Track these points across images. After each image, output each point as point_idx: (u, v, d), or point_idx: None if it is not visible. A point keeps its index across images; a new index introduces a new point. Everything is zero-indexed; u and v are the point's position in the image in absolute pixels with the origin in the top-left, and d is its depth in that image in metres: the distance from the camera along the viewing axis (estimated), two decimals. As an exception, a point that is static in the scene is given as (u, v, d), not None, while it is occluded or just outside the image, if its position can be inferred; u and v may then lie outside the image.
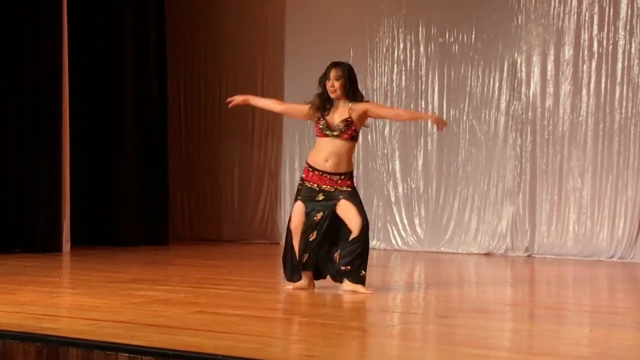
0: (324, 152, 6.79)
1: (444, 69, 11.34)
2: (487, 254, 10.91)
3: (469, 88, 11.18)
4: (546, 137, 10.77)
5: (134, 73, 11.64)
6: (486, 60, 11.10)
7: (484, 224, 11.05)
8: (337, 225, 6.84)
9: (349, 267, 6.80)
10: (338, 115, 6.80)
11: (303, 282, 6.93)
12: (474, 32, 11.16)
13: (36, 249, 10.36)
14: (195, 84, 13.06)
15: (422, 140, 11.45)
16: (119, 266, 9.15)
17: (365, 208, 11.47)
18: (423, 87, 11.45)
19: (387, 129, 11.63)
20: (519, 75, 10.92)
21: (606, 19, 10.44)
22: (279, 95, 12.35)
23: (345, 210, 6.80)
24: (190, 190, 13.08)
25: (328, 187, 6.79)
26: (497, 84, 11.04)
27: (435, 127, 7.28)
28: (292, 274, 6.99)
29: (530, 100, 10.86)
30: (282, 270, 7.13)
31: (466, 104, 11.20)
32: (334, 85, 6.78)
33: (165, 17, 12.11)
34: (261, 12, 12.58)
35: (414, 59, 11.51)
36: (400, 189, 11.56)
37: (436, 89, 11.37)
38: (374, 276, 9.11)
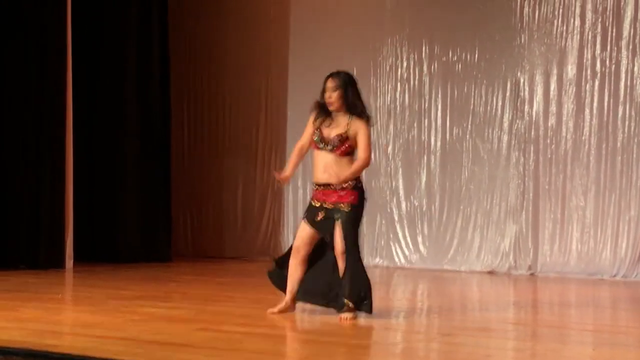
0: (321, 165, 6.51)
1: (447, 88, 11.37)
2: (490, 272, 10.90)
3: (472, 107, 11.21)
4: (549, 156, 10.78)
5: (137, 90, 11.67)
6: (489, 79, 11.12)
7: (487, 242, 11.05)
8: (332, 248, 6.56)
9: (350, 303, 6.46)
10: (335, 129, 6.49)
11: (286, 304, 6.65)
12: (477, 51, 11.19)
13: (39, 265, 10.35)
14: (199, 101, 13.09)
15: (425, 158, 11.47)
16: (122, 283, 9.15)
17: (369, 226, 11.71)
18: (426, 105, 11.48)
19: (390, 147, 11.64)
20: (522, 94, 10.94)
21: (609, 39, 10.47)
22: (281, 113, 12.42)
23: (336, 233, 6.47)
24: (193, 207, 13.09)
25: (329, 203, 6.47)
26: (500, 103, 11.06)
27: None
28: (281, 286, 6.75)
29: (533, 119, 10.88)
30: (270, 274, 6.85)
31: (469, 123, 11.21)
32: (331, 97, 6.48)
33: (168, 35, 12.16)
34: (265, 30, 12.62)
35: (417, 77, 11.54)
36: (403, 206, 11.57)
37: (439, 108, 11.40)
38: (376, 293, 9.11)
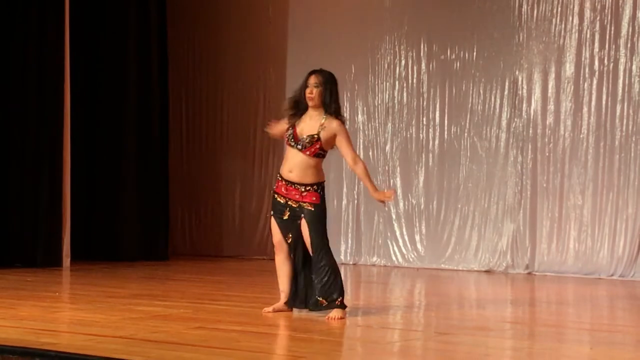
0: (289, 163, 6.52)
1: (445, 86, 11.36)
2: (487, 271, 10.90)
3: (470, 105, 11.20)
4: (547, 154, 10.77)
5: (135, 89, 11.67)
6: (487, 77, 11.12)
7: (484, 241, 11.04)
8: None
9: (325, 300, 6.48)
10: (308, 127, 6.48)
11: (281, 304, 6.68)
12: (475, 50, 11.18)
13: (36, 263, 10.36)
14: (197, 101, 13.08)
15: (423, 156, 11.46)
16: (119, 281, 9.15)
17: (366, 224, 11.72)
18: (424, 103, 11.47)
19: (388, 146, 11.64)
20: (520, 92, 10.94)
21: (607, 37, 10.46)
22: (279, 112, 12.38)
23: (304, 232, 6.50)
24: (191, 206, 13.08)
25: (293, 202, 6.50)
26: (498, 101, 11.06)
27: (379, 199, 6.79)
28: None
29: (531, 117, 10.87)
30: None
31: (467, 121, 11.21)
32: (312, 92, 6.47)
33: (167, 36, 12.16)
34: (264, 29, 12.61)
35: (415, 75, 11.53)
36: (401, 205, 11.56)
37: (437, 106, 11.39)
38: (374, 292, 9.13)
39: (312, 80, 6.54)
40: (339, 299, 6.46)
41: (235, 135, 12.77)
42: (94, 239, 11.62)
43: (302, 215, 6.48)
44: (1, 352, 4.89)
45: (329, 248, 6.56)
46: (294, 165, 6.51)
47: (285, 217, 6.56)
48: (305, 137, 6.47)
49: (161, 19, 12.06)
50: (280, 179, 6.61)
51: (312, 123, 6.50)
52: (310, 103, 6.52)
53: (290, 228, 6.55)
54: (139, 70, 11.72)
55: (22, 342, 5.11)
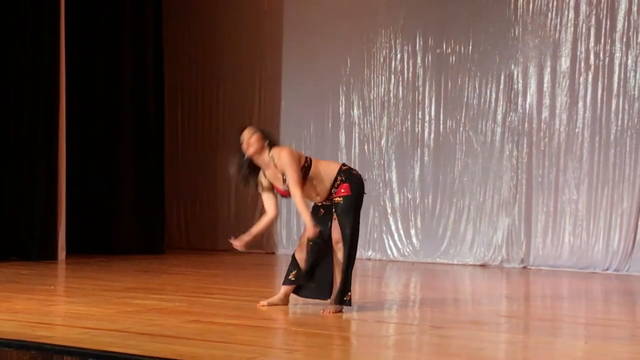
0: (307, 195, 6.52)
1: (441, 80, 11.36)
2: (482, 265, 10.91)
3: (465, 99, 11.20)
4: (542, 148, 10.78)
5: (131, 82, 11.67)
6: (483, 71, 11.12)
7: (479, 235, 11.05)
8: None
9: (348, 295, 6.52)
10: (271, 176, 6.49)
11: (277, 297, 6.71)
12: (471, 44, 11.18)
13: (32, 257, 10.36)
14: (193, 95, 13.07)
15: (418, 151, 11.47)
16: (114, 275, 9.14)
17: (361, 218, 11.60)
18: (420, 97, 11.47)
19: (383, 140, 11.64)
20: (516, 86, 10.94)
21: (603, 32, 10.47)
22: (275, 106, 12.41)
23: (334, 227, 6.54)
24: (186, 199, 13.07)
25: (328, 201, 6.58)
26: (493, 95, 11.06)
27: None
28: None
29: (527, 111, 10.88)
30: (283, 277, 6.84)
31: (463, 115, 11.21)
32: (249, 142, 6.48)
33: (162, 28, 12.15)
34: (259, 24, 12.60)
35: (411, 69, 11.53)
36: (396, 199, 11.57)
37: (433, 100, 11.39)
38: (369, 286, 9.13)
39: (244, 135, 6.55)
40: (349, 294, 6.50)
41: (231, 128, 12.75)
42: (90, 232, 11.62)
43: (333, 209, 6.53)
44: (-3, 345, 4.90)
45: (354, 242, 6.57)
46: (309, 192, 6.52)
47: (320, 214, 6.58)
48: (276, 186, 6.48)
49: (157, 14, 12.04)
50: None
51: (270, 171, 6.50)
52: (250, 151, 6.48)
53: (324, 222, 6.52)
54: (135, 65, 11.71)
55: (17, 336, 5.11)
